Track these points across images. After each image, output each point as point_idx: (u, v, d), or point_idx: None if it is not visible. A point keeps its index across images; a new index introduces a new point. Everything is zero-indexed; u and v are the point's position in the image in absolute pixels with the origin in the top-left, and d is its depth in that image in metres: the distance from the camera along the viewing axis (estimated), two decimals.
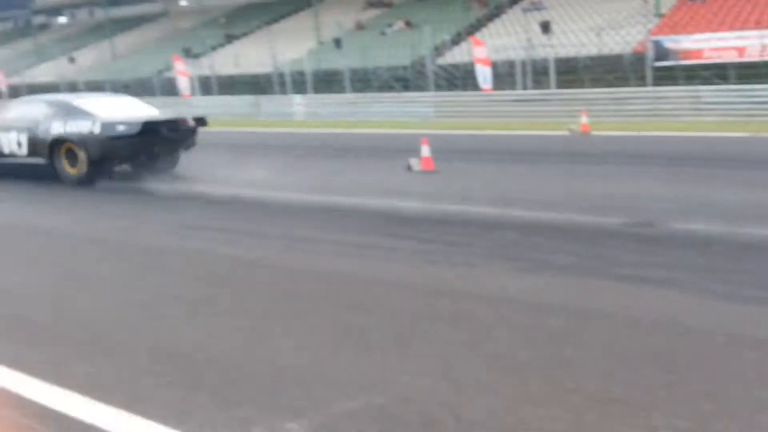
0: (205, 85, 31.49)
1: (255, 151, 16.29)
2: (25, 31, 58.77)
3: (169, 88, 33.02)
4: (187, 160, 11.03)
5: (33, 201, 9.34)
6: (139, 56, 41.54)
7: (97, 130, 9.57)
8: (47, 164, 10.04)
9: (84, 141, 9.59)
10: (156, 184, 9.42)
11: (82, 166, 9.75)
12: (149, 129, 9.60)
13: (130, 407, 3.10)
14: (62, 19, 63.75)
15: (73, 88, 38.07)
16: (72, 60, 44.34)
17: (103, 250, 6.39)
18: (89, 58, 45.11)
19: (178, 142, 10.45)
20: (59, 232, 7.29)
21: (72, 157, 9.83)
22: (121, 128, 9.57)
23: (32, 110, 10.53)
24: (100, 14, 53.39)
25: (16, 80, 42.13)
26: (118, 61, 41.61)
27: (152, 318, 4.37)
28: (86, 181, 9.75)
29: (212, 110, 28.87)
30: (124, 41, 47.73)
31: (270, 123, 24.49)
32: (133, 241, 6.69)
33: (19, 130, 10.23)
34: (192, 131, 10.59)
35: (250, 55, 33.88)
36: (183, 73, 30.75)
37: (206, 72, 32.13)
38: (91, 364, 3.64)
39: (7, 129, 10.41)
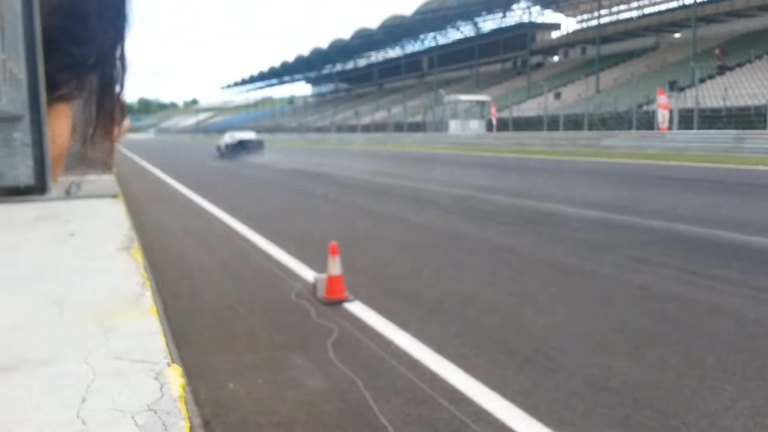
0: (686, 119, 29.96)
1: (731, 189, 14.84)
2: (521, 70, 65.53)
3: (646, 122, 32.51)
4: (658, 199, 10.61)
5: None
6: (620, 90, 42.03)
7: (231, 141, 33.45)
8: (225, 153, 32.62)
9: (228, 144, 33.23)
10: (601, 213, 9.36)
11: (230, 154, 32.16)
12: (240, 140, 33.39)
13: (559, 430, 3.11)
14: (555, 58, 68.96)
15: (553, 121, 40.78)
16: (558, 96, 47.49)
17: (554, 272, 6.59)
18: (573, 94, 47.65)
19: (253, 147, 32.96)
20: (515, 251, 7.79)
21: (228, 150, 32.63)
22: (235, 141, 33.29)
23: (226, 135, 35.01)
24: (592, 51, 55.99)
25: (504, 114, 47.29)
26: (600, 96, 42.79)
27: (593, 347, 4.30)
28: (230, 158, 30.74)
29: (688, 145, 27.48)
30: (609, 76, 48.98)
31: (754, 160, 21.91)
32: (584, 266, 6.72)
33: (223, 141, 34.28)
34: (257, 144, 33.41)
35: (742, 86, 30.99)
36: (664, 106, 29.92)
37: (689, 105, 30.58)
38: (530, 378, 3.76)
39: (221, 141, 34.83)
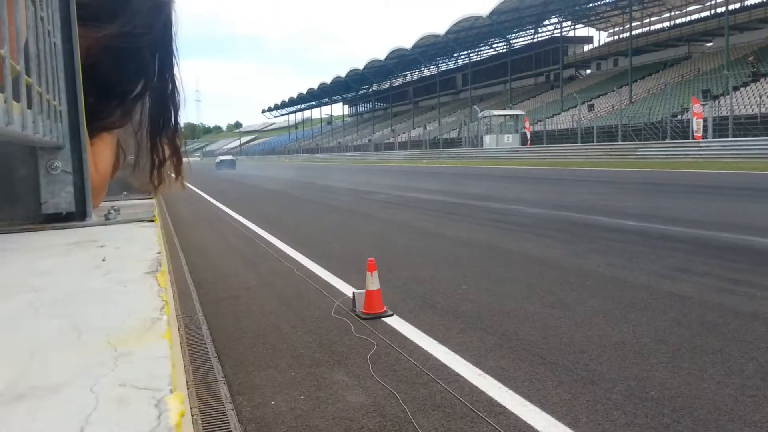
0: (720, 127, 29.53)
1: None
2: (554, 83, 65.21)
3: (680, 132, 32.11)
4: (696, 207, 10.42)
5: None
6: (654, 101, 41.54)
7: (217, 160, 61.97)
8: (216, 167, 56.04)
9: (218, 162, 59.91)
10: (650, 224, 9.23)
11: (217, 168, 55.94)
12: (223, 160, 60.07)
13: None
14: (588, 71, 68.48)
15: (587, 133, 40.44)
16: (591, 108, 47.12)
17: (592, 283, 6.56)
18: (607, 105, 47.24)
19: (229, 164, 58.76)
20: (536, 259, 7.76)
21: (217, 166, 57.90)
22: (219, 161, 60.49)
23: (217, 158, 69.34)
24: (624, 63, 55.49)
25: (538, 127, 47.10)
26: (633, 107, 42.35)
27: (632, 357, 4.30)
28: (217, 171, 51.62)
29: (723, 152, 27.01)
30: (642, 87, 48.45)
31: None
32: (622, 276, 6.69)
33: (218, 160, 63.07)
34: (231, 162, 59.61)
35: None
36: (699, 114, 29.53)
37: (723, 113, 30.17)
38: (569, 390, 3.78)
39: (218, 159, 64.16)
